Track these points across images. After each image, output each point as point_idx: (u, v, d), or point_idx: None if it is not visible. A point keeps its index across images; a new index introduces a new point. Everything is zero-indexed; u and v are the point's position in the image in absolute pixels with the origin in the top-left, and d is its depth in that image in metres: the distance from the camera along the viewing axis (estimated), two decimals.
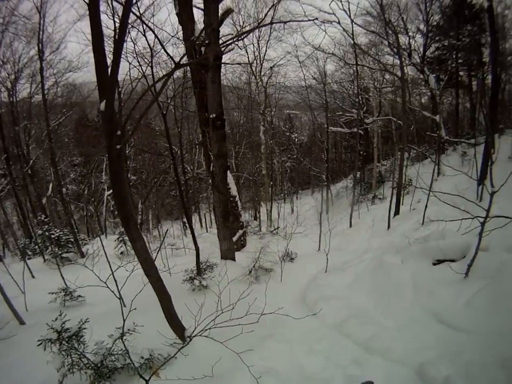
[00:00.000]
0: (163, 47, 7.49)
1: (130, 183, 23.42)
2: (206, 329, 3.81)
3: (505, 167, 6.48)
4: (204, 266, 8.69)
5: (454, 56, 27.51)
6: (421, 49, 26.69)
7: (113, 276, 5.20)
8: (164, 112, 8.35)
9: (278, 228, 17.69)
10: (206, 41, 8.96)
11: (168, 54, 7.70)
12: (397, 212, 15.52)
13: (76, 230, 17.61)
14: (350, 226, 16.13)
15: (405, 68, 18.25)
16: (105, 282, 4.06)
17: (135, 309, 3.92)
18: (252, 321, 3.88)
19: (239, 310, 4.18)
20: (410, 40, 25.50)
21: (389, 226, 13.82)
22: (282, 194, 32.70)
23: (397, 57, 18.47)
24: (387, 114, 27.27)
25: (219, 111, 9.30)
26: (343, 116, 27.44)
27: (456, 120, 30.99)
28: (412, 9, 25.77)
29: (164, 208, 31.84)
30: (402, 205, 16.27)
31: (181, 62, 5.53)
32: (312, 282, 8.49)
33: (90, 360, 4.16)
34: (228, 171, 11.32)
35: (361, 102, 24.10)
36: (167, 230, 12.90)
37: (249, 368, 4.01)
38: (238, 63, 19.69)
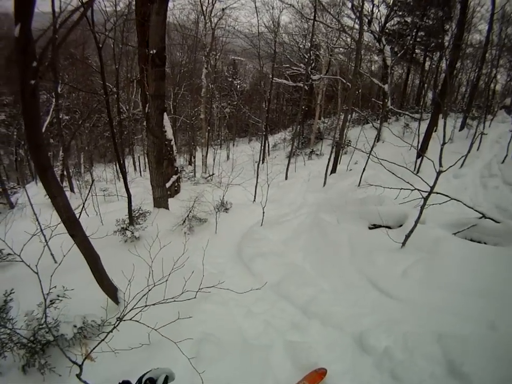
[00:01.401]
0: None
1: (63, 124, 21.60)
2: (138, 310, 3.38)
3: (445, 147, 6.59)
4: (137, 215, 8.23)
5: (414, 34, 28.25)
6: (383, 20, 26.68)
7: (42, 232, 4.74)
8: (100, 45, 7.46)
9: (212, 174, 17.33)
10: None
11: None
12: (333, 170, 15.71)
13: (6, 178, 16.05)
14: (286, 178, 16.03)
15: (363, 33, 18.11)
16: (19, 255, 3.50)
17: (55, 287, 3.51)
18: (189, 296, 3.53)
19: (174, 278, 3.76)
20: (374, 8, 25.44)
21: (325, 183, 13.97)
22: (219, 140, 32.12)
23: (357, 21, 18.30)
24: (335, 74, 27.20)
25: (160, 46, 8.43)
26: (290, 68, 26.90)
27: (403, 93, 32.13)
28: None
29: (97, 150, 29.64)
30: (339, 164, 16.52)
31: None
32: (248, 236, 8.31)
33: (22, 335, 3.72)
34: (165, 113, 10.61)
35: (311, 58, 23.74)
36: (93, 180, 12.12)
37: (188, 335, 3.76)
38: None
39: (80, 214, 7.11)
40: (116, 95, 20.44)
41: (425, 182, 6.47)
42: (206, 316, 4.85)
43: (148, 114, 9.10)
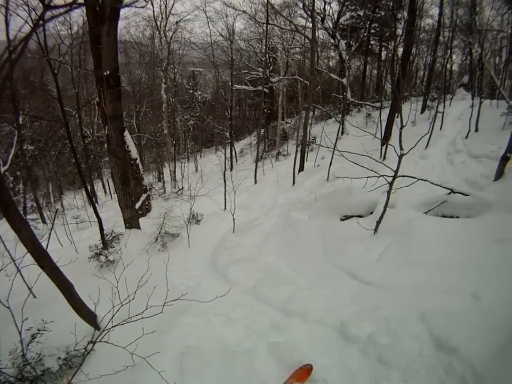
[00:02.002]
0: None
1: (29, 154, 21.09)
2: (115, 331, 3.31)
3: (408, 130, 6.71)
4: (110, 238, 8.01)
5: (367, 26, 29.05)
6: (335, 16, 27.39)
7: (16, 265, 4.79)
8: (56, 71, 7.28)
9: (182, 188, 17.20)
10: None
11: None
12: (301, 168, 15.81)
13: None
14: (255, 183, 16.12)
15: (316, 31, 18.34)
16: None
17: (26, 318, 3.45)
18: (155, 311, 3.52)
19: (142, 297, 3.76)
20: (326, 6, 25.97)
21: (294, 182, 14.00)
22: (185, 153, 31.92)
23: (309, 20, 18.51)
24: (293, 74, 27.50)
25: (113, 66, 8.30)
26: (249, 74, 27.14)
27: (362, 84, 32.75)
28: None
29: (65, 178, 28.65)
30: (306, 161, 16.64)
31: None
32: (221, 244, 8.24)
33: (9, 374, 3.58)
34: (127, 133, 10.47)
35: (268, 61, 23.90)
36: (57, 210, 11.83)
37: (171, 350, 3.85)
38: (138, 7, 17.55)
39: (47, 244, 6.90)
40: (78, 120, 20.05)
41: (389, 168, 6.52)
42: (187, 329, 4.77)
43: (108, 136, 8.93)
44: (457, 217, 6.58)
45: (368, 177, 7.19)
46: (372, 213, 7.42)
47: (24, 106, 21.95)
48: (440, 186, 7.14)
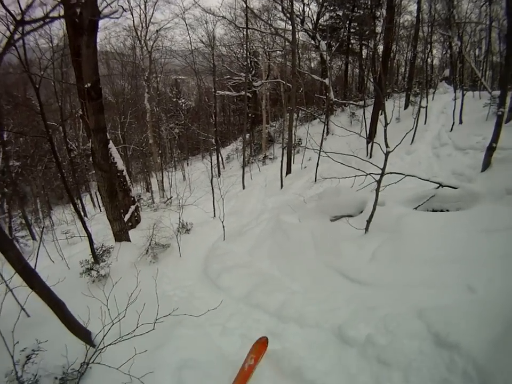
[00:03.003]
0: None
1: (15, 170, 20.84)
2: (109, 349, 3.24)
3: (393, 127, 6.64)
4: (100, 252, 7.86)
5: (347, 26, 29.24)
6: (315, 17, 27.61)
7: (7, 285, 4.73)
8: (37, 86, 7.15)
9: (171, 197, 17.09)
10: (83, 0, 7.76)
11: (6, 9, 5.05)
12: (288, 171, 15.83)
13: None
14: (243, 188, 16.10)
15: (296, 33, 18.40)
16: None
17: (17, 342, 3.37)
18: (148, 328, 3.47)
19: (134, 314, 3.70)
20: (305, 7, 26.18)
21: (282, 186, 14.03)
22: (172, 162, 31.81)
23: (289, 22, 18.54)
24: (276, 77, 27.54)
25: (94, 79, 8.19)
26: (231, 79, 27.22)
27: (344, 84, 32.72)
28: None
29: (53, 193, 28.53)
30: (293, 163, 16.63)
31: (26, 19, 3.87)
32: (212, 252, 8.15)
33: None
34: (112, 144, 10.34)
35: (250, 66, 23.93)
36: (43, 226, 11.62)
37: (168, 364, 3.79)
38: (114, 17, 17.53)
39: (35, 263, 6.79)
40: (63, 133, 19.88)
41: (376, 166, 6.50)
42: (182, 341, 4.69)
43: (92, 149, 8.81)
44: (447, 210, 6.57)
45: (356, 176, 7.13)
46: (361, 212, 7.38)
47: (8, 122, 21.68)
48: (428, 180, 7.14)
